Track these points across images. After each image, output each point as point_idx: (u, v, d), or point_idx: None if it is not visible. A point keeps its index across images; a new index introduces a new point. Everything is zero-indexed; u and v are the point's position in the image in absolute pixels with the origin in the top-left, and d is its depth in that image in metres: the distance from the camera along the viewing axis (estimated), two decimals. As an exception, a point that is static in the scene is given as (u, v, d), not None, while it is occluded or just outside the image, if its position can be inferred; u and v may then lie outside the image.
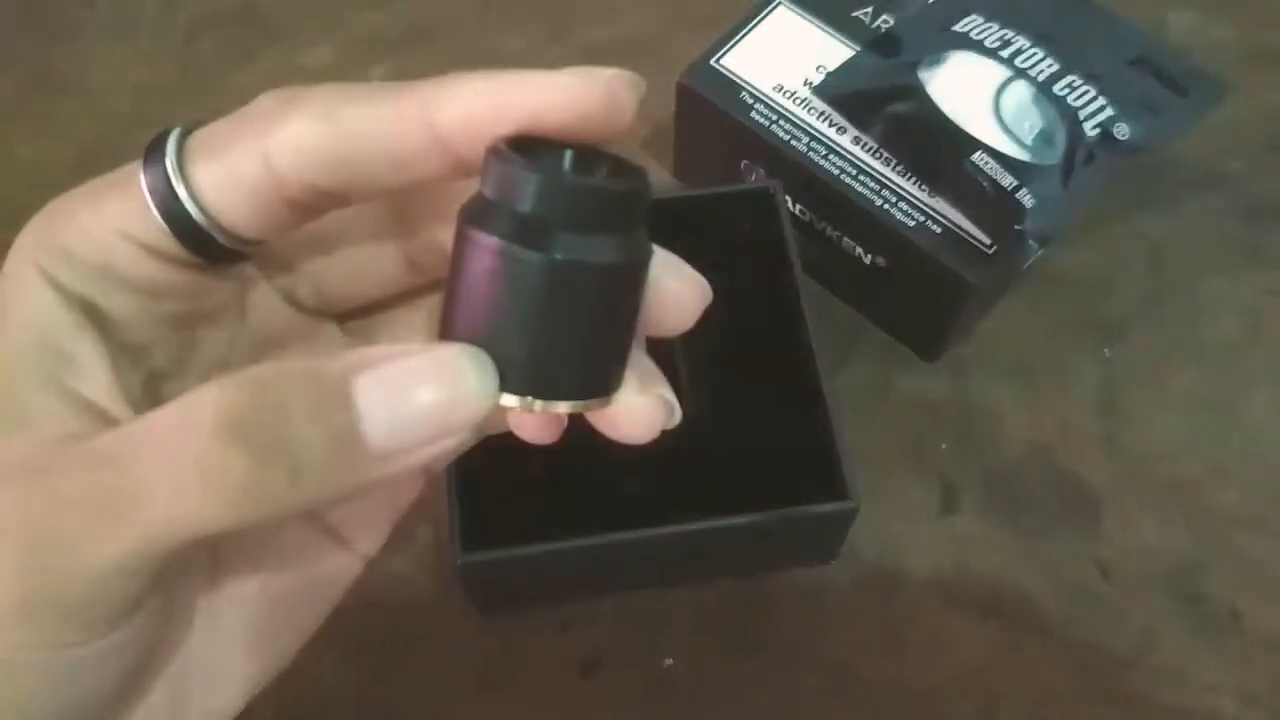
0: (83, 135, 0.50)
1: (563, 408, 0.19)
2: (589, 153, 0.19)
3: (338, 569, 0.24)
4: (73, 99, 0.51)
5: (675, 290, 0.20)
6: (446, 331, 0.19)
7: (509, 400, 0.18)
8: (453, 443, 0.18)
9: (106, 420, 0.20)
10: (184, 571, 0.21)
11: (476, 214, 0.18)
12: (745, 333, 0.40)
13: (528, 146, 0.18)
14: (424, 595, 0.40)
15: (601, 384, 0.19)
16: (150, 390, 0.21)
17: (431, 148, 0.19)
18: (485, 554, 0.33)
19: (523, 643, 0.40)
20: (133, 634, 0.19)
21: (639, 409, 0.20)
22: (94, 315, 0.20)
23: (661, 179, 0.49)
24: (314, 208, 0.20)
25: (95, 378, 0.20)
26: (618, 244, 0.18)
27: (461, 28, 0.53)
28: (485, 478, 0.34)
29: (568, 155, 0.19)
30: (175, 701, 0.21)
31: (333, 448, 0.17)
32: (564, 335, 0.18)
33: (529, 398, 0.18)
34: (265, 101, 0.20)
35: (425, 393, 0.18)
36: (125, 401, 0.20)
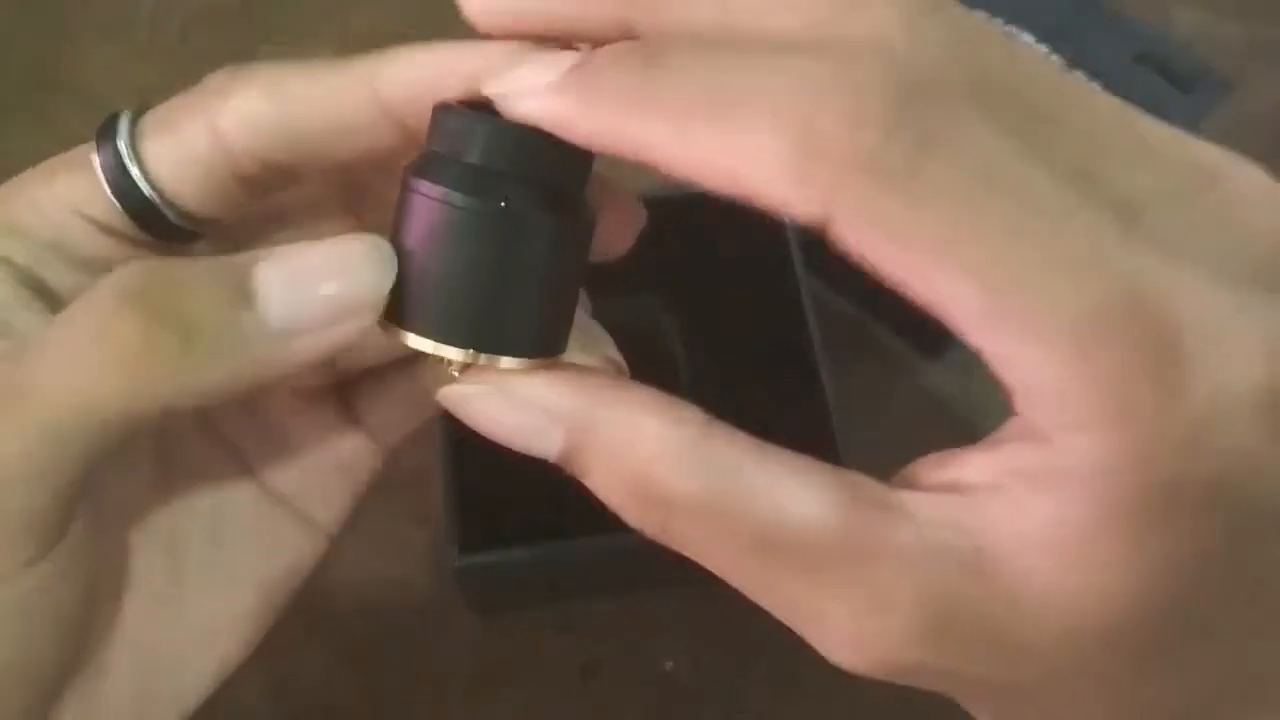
0: (79, 134, 0.49)
1: (506, 363, 0.18)
2: None
3: (300, 548, 0.24)
4: (69, 97, 0.51)
5: (608, 212, 0.20)
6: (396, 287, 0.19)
7: (453, 354, 0.18)
8: (350, 328, 0.18)
9: None
10: (109, 499, 0.21)
11: (421, 167, 0.18)
12: (747, 331, 0.40)
13: (475, 107, 0.18)
14: (423, 598, 0.40)
15: (549, 341, 0.19)
16: None
17: (379, 119, 0.19)
18: (482, 556, 0.33)
19: (522, 645, 0.39)
20: (63, 566, 0.19)
21: None
22: (44, 292, 0.20)
23: (662, 177, 0.49)
24: (265, 183, 0.20)
25: None
26: (561, 197, 0.18)
27: (458, 24, 0.53)
28: (481, 479, 0.34)
29: None
30: (141, 684, 0.21)
31: (227, 315, 0.17)
32: (509, 287, 0.18)
33: (472, 350, 0.18)
34: (215, 78, 0.20)
35: (319, 272, 0.18)
36: None
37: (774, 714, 0.39)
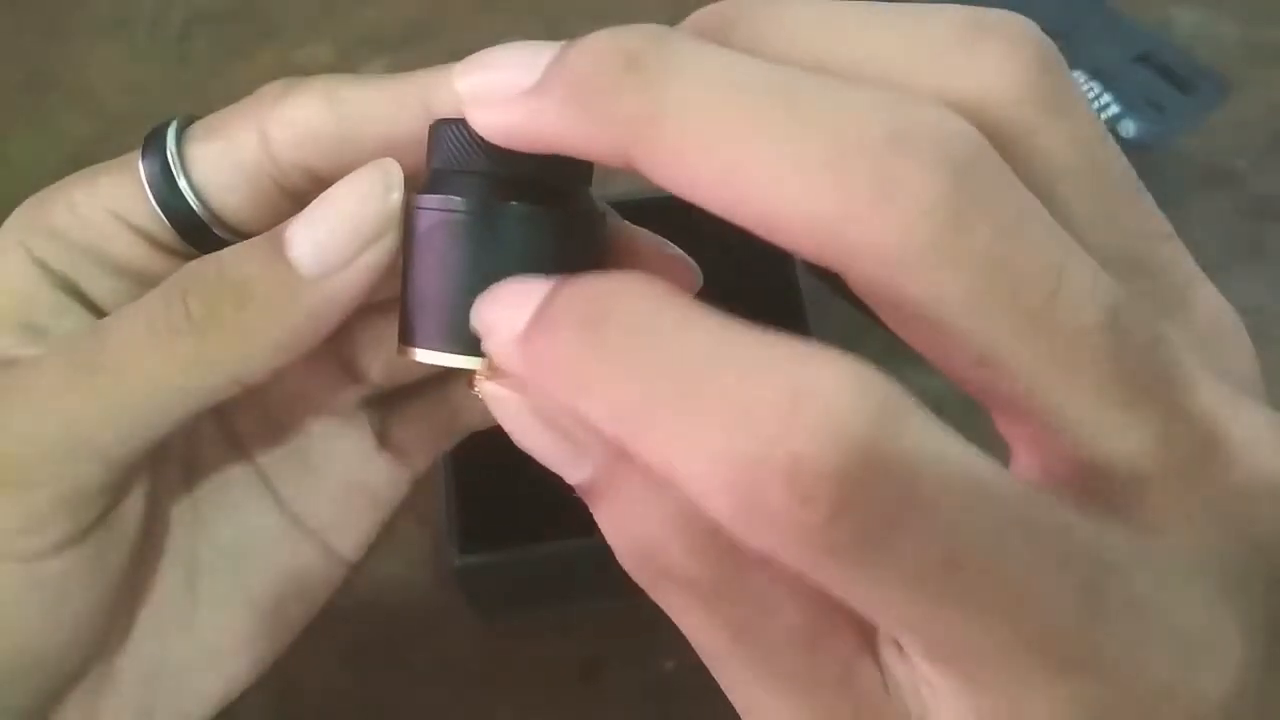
0: (77, 134, 0.49)
1: None
2: None
3: (321, 574, 0.24)
4: (67, 98, 0.51)
5: (660, 268, 0.20)
6: (409, 311, 0.19)
7: (465, 363, 0.18)
8: (378, 252, 0.18)
9: None
10: (142, 503, 0.21)
11: (421, 185, 0.18)
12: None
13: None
14: (423, 598, 0.40)
15: None
16: None
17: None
18: (482, 556, 0.33)
19: (522, 645, 0.39)
20: (104, 548, 0.19)
21: None
22: (77, 296, 0.20)
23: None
24: (304, 195, 0.20)
25: None
26: (561, 191, 0.18)
27: (459, 24, 0.53)
28: (482, 478, 0.34)
29: None
30: (144, 698, 0.21)
31: (270, 270, 0.18)
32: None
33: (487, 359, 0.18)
34: (270, 87, 0.20)
35: (333, 205, 0.18)
36: None
37: (774, 714, 0.39)
